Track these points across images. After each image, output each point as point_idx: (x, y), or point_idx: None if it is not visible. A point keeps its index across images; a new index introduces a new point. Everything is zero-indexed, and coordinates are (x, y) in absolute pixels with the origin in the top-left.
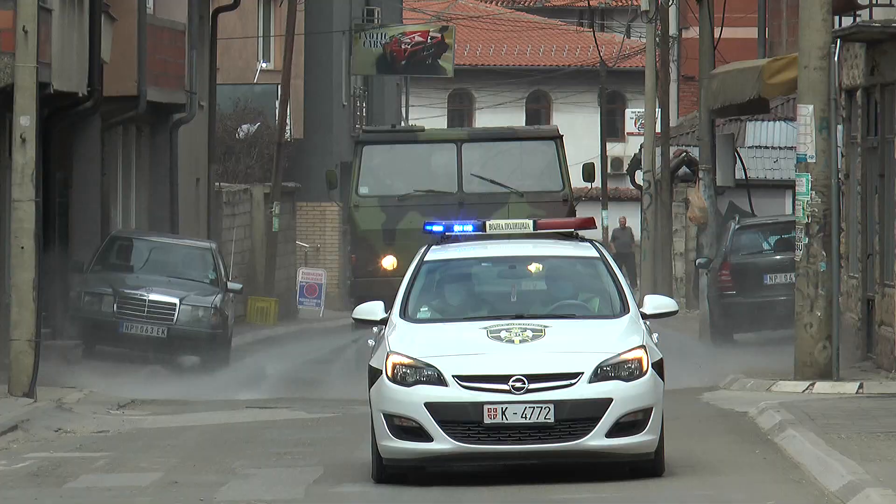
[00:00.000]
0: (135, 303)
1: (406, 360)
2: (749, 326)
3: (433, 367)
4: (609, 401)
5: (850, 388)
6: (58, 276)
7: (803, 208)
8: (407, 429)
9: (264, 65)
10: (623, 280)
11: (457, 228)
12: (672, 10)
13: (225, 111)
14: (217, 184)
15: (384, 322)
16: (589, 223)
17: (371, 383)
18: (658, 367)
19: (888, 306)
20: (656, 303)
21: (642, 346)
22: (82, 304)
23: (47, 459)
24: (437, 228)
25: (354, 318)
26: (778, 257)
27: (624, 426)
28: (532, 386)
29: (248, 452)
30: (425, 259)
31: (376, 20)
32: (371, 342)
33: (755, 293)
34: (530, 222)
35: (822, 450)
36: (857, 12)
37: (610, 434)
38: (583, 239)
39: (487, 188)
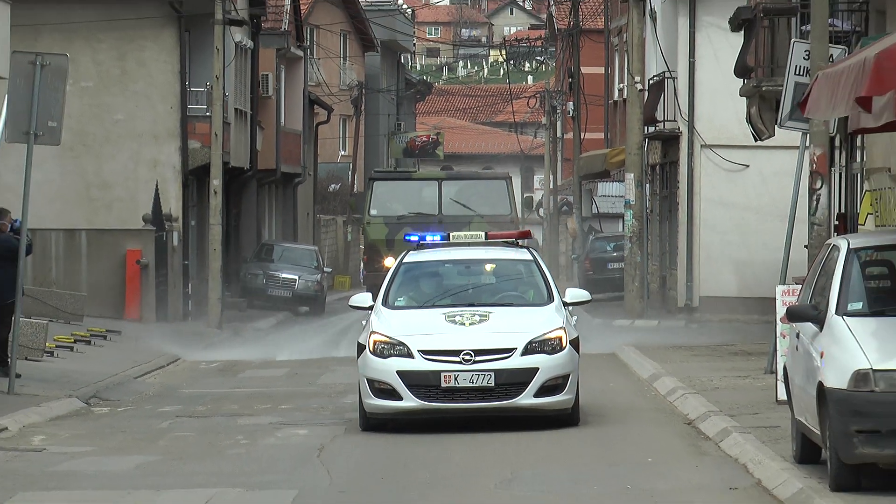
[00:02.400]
0: (274, 278)
1: (384, 338)
2: (601, 291)
3: (403, 343)
4: (536, 369)
5: (654, 323)
6: (233, 264)
7: (628, 228)
8: (384, 390)
9: (343, 152)
10: (550, 277)
11: (429, 238)
12: (559, 123)
13: (322, 177)
14: (318, 216)
15: (371, 308)
16: (526, 234)
17: (358, 355)
18: (574, 343)
19: (673, 281)
20: (574, 294)
21: (562, 328)
22: (246, 279)
23: (227, 362)
24: (414, 238)
25: (350, 305)
26: (615, 254)
27: (548, 389)
28: (478, 358)
29: (337, 356)
30: (404, 261)
31: (402, 128)
32: (364, 323)
33: (603, 273)
34: (482, 234)
35: (639, 356)
36: (657, 124)
37: (537, 395)
38: (521, 247)
39: (459, 212)
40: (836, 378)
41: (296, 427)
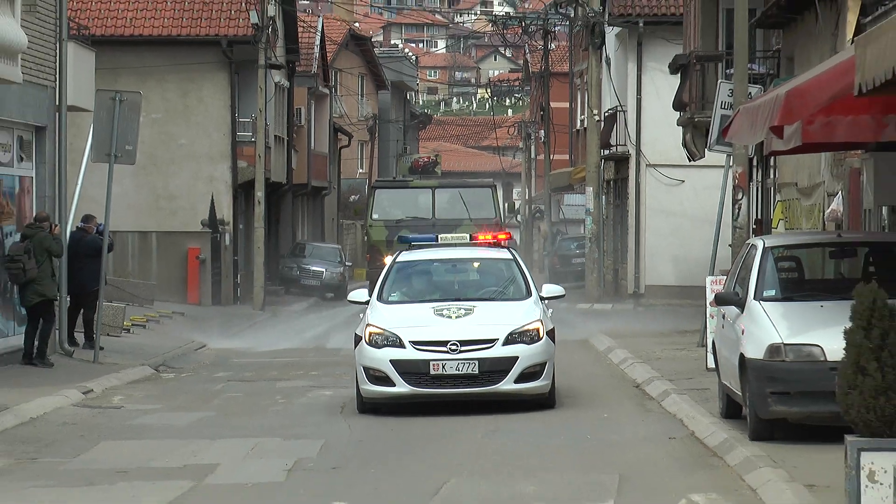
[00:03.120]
0: (306, 270)
1: (378, 330)
2: (566, 281)
3: (396, 334)
4: (516, 358)
5: (608, 306)
6: (273, 259)
7: (588, 231)
8: (378, 377)
9: (361, 170)
10: (528, 274)
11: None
12: (532, 147)
13: (344, 190)
14: (340, 221)
15: (367, 303)
16: (507, 237)
17: (356, 346)
18: (551, 334)
19: (624, 273)
20: (550, 289)
21: (539, 320)
22: (283, 271)
23: (265, 341)
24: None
25: (349, 300)
26: (578, 251)
27: (527, 375)
28: (463, 348)
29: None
30: (397, 260)
31: (408, 151)
32: (361, 316)
33: (568, 267)
34: (468, 235)
35: (598, 333)
36: (611, 148)
37: (517, 381)
38: (502, 246)
39: (450, 216)
40: (754, 350)
41: (323, 389)
